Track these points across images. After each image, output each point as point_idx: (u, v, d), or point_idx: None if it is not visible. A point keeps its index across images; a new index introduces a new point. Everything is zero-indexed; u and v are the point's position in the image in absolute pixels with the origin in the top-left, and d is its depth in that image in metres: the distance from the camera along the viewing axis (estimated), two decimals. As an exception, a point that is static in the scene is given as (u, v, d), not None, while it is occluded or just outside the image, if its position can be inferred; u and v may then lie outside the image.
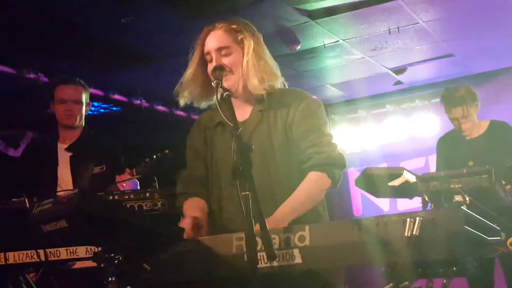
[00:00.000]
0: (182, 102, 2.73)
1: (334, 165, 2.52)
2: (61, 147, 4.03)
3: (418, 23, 5.96)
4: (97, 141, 4.10)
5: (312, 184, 2.50)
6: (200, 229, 2.46)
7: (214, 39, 2.60)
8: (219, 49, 2.58)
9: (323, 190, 2.54)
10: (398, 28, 6.01)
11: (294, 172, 2.55)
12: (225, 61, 2.57)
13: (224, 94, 2.37)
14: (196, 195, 2.67)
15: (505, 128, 4.62)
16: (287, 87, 2.75)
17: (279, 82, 2.69)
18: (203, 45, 2.63)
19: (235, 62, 2.58)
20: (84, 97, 4.07)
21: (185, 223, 2.44)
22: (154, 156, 3.40)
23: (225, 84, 2.47)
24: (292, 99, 2.64)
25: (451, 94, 4.63)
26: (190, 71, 2.66)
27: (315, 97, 2.73)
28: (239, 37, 2.61)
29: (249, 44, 2.61)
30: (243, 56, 2.60)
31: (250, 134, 2.56)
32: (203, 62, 2.65)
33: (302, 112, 2.59)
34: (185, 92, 2.69)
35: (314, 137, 2.55)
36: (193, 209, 2.60)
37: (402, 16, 5.78)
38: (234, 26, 2.63)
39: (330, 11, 5.59)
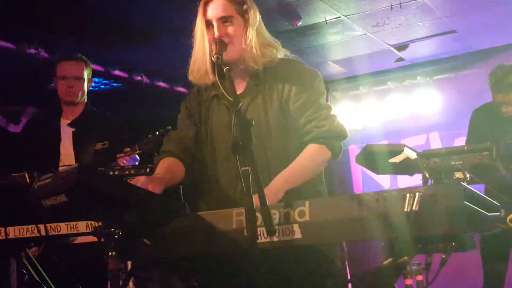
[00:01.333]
0: (192, 79, 2.65)
1: (334, 137, 2.49)
2: (64, 122, 4.03)
3: (421, -2, 5.93)
4: (100, 117, 4.11)
5: (310, 156, 2.47)
6: (150, 183, 2.36)
7: (217, 7, 2.53)
8: (222, 18, 2.52)
9: (322, 162, 2.51)
10: (400, 4, 5.97)
11: (290, 147, 2.52)
12: (229, 30, 2.52)
13: (224, 69, 2.35)
14: (174, 155, 2.64)
15: None
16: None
17: (280, 53, 2.65)
18: (204, 13, 2.56)
19: (237, 33, 2.54)
20: (86, 73, 4.06)
21: (138, 180, 2.37)
22: (157, 132, 3.39)
23: (225, 58, 2.44)
24: (287, 72, 2.59)
25: (501, 77, 4.49)
26: (198, 46, 2.59)
27: (312, 68, 2.67)
28: (244, 7, 2.56)
29: (254, 15, 2.58)
30: (247, 27, 2.56)
31: (245, 108, 2.53)
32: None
33: (298, 86, 2.54)
34: (194, 68, 2.62)
35: (311, 111, 2.51)
36: (160, 168, 2.57)
37: (405, -9, 5.75)
38: None
39: (332, -14, 5.57)
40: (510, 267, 4.50)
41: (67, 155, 3.91)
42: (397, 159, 3.18)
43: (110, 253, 2.15)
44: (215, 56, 2.41)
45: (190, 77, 2.65)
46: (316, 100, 2.55)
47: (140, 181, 2.34)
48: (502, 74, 4.51)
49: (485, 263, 4.51)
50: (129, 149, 3.56)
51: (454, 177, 3.11)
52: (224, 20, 2.53)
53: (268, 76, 2.60)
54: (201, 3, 2.58)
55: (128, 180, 2.84)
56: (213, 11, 2.54)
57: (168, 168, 2.58)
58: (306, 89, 2.55)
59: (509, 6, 6.25)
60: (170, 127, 2.93)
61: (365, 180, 8.20)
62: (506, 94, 4.47)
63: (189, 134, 2.68)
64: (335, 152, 2.50)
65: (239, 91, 2.53)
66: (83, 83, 4.03)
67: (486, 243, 4.45)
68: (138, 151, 3.60)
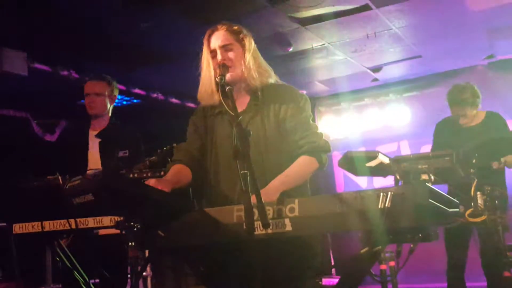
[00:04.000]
0: (201, 99, 2.66)
1: (322, 151, 2.51)
2: (92, 133, 4.02)
3: (392, 29, 5.94)
4: (122, 129, 4.09)
5: (302, 165, 2.48)
6: (159, 184, 2.34)
7: (218, 38, 2.57)
8: (223, 46, 2.55)
9: (311, 171, 2.52)
10: (374, 33, 6.00)
11: (284, 158, 2.51)
12: (230, 55, 2.55)
13: (227, 88, 2.35)
14: (183, 163, 2.64)
15: (498, 118, 4.54)
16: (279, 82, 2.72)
17: (273, 78, 2.67)
18: (208, 44, 2.60)
19: (237, 57, 2.56)
20: (107, 91, 4.04)
21: (149, 182, 2.35)
22: (164, 148, 3.40)
23: (227, 79, 2.45)
24: (284, 96, 2.60)
25: (456, 95, 4.49)
26: (205, 72, 2.61)
27: (303, 91, 2.71)
28: (240, 36, 2.59)
29: (250, 42, 2.61)
30: (245, 52, 2.58)
31: (246, 125, 2.52)
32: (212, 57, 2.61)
33: (293, 109, 2.56)
34: (202, 90, 2.63)
35: (304, 129, 2.53)
36: (170, 173, 2.58)
37: (378, 23, 5.77)
38: (235, 28, 2.62)
39: (318, 19, 5.58)
40: (470, 255, 4.49)
41: (94, 161, 3.90)
42: (373, 163, 3.16)
43: (130, 243, 2.14)
44: (218, 77, 2.41)
45: (199, 98, 2.67)
46: (308, 121, 2.58)
47: (151, 182, 2.34)
48: (457, 92, 4.53)
49: (449, 251, 4.49)
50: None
51: (421, 179, 3.10)
52: (225, 47, 2.56)
53: (265, 97, 2.60)
54: (206, 36, 2.62)
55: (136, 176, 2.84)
56: (216, 41, 2.58)
57: (177, 172, 2.59)
58: (300, 112, 2.57)
59: (465, 35, 6.29)
60: (174, 144, 2.93)
61: (346, 181, 8.20)
62: (461, 108, 4.48)
63: (195, 145, 2.68)
64: (322, 163, 2.52)
65: (241, 109, 2.54)
66: (104, 99, 4.01)
67: (450, 234, 4.44)
68: (147, 164, 3.59)
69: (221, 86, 2.38)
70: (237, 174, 1.98)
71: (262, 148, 2.51)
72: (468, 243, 4.42)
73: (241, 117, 2.19)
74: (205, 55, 2.61)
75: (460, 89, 4.52)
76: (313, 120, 2.64)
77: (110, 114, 4.10)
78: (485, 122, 4.52)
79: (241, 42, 2.59)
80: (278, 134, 2.55)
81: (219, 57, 2.54)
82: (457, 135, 4.51)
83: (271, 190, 2.27)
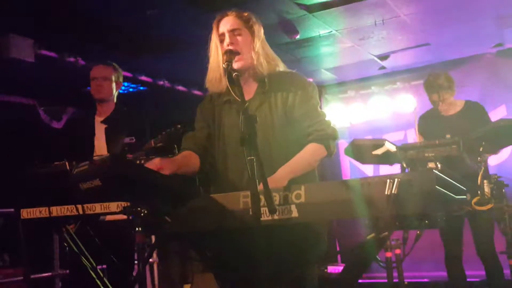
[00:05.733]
0: (209, 86, 2.66)
1: (329, 139, 2.50)
2: (98, 120, 4.03)
3: (400, 16, 5.90)
4: (128, 116, 4.10)
5: (310, 153, 2.48)
6: (163, 163, 2.36)
7: (227, 22, 2.57)
8: (233, 31, 2.55)
9: (319, 159, 2.51)
10: (382, 20, 5.96)
11: (291, 146, 2.51)
12: (238, 39, 2.54)
13: (234, 75, 2.34)
14: (192, 150, 2.65)
15: (477, 107, 4.59)
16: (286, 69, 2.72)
17: (281, 66, 2.67)
18: (217, 29, 2.59)
19: (245, 43, 2.55)
20: (114, 76, 4.05)
21: (153, 162, 2.37)
22: (168, 130, 3.41)
23: (234, 65, 2.45)
24: (292, 84, 2.59)
25: (432, 81, 4.59)
26: (213, 57, 2.60)
27: (310, 79, 2.69)
28: (250, 23, 2.59)
29: (259, 29, 2.61)
30: (253, 39, 2.57)
31: (254, 111, 2.50)
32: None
33: (301, 97, 2.56)
34: (210, 76, 2.63)
35: (312, 117, 2.53)
36: (181, 155, 2.61)
37: (386, 10, 5.72)
38: (245, 14, 2.61)
39: (325, 5, 5.54)
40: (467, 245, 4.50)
41: (100, 147, 3.91)
42: (379, 151, 3.17)
43: (137, 229, 2.15)
44: (225, 63, 2.40)
45: (207, 85, 2.66)
46: (316, 108, 2.58)
47: (155, 161, 2.35)
48: (432, 78, 4.60)
49: (445, 243, 4.51)
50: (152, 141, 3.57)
51: (427, 167, 3.10)
52: (234, 31, 2.55)
53: (273, 84, 2.59)
54: (215, 21, 2.61)
55: (143, 162, 2.84)
56: (225, 25, 2.57)
57: (185, 156, 2.61)
58: (309, 100, 2.57)
59: (474, 22, 6.23)
60: (179, 126, 2.94)
61: (352, 169, 8.19)
62: (438, 93, 4.54)
63: (203, 134, 2.69)
64: (331, 151, 2.51)
65: (248, 97, 2.53)
66: (111, 84, 4.02)
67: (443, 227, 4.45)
68: (153, 146, 3.59)
69: (228, 72, 2.37)
70: (245, 163, 1.98)
71: (269, 136, 2.51)
72: (462, 233, 4.44)
73: (247, 103, 2.18)
74: (214, 40, 2.60)
75: (434, 75, 4.62)
76: (320, 108, 2.64)
77: (115, 101, 4.11)
78: (465, 110, 4.56)
79: (250, 28, 2.58)
80: (286, 121, 2.54)
81: (227, 40, 2.53)
82: (438, 124, 4.57)
83: (279, 178, 2.28)
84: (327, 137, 2.49)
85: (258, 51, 2.56)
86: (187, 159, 2.59)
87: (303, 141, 2.51)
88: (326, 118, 2.58)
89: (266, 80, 2.59)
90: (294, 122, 2.54)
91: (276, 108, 2.56)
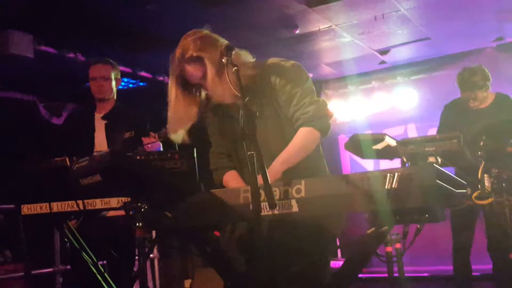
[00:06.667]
0: (176, 137, 2.63)
1: (318, 119, 2.43)
2: (98, 116, 4.03)
3: (400, 10, 5.88)
4: (128, 111, 4.10)
5: (301, 138, 2.42)
6: None
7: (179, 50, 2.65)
8: (189, 58, 2.58)
9: (313, 141, 2.46)
10: (382, 14, 5.94)
11: (286, 134, 2.47)
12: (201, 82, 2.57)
13: (233, 69, 2.31)
14: (230, 168, 2.63)
15: (508, 100, 4.49)
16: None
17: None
18: (174, 69, 2.67)
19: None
20: (113, 74, 4.04)
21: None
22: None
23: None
24: (272, 74, 2.51)
25: (467, 78, 4.41)
26: (173, 104, 2.69)
27: (310, 74, 2.62)
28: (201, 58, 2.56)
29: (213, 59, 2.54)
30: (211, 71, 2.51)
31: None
32: (181, 82, 2.67)
33: (279, 84, 2.48)
34: (178, 126, 2.65)
35: (295, 102, 2.45)
36: (234, 181, 2.56)
37: (386, 4, 5.70)
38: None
39: (325, 0, 5.53)
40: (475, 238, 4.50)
41: (100, 143, 3.91)
42: (379, 146, 3.16)
43: (137, 224, 2.16)
44: (225, 58, 2.32)
45: (174, 136, 2.68)
46: (298, 90, 2.47)
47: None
48: (467, 75, 4.44)
49: (455, 233, 4.50)
50: (153, 134, 3.57)
51: (428, 161, 3.09)
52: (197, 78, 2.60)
53: (258, 82, 2.51)
54: (171, 66, 2.77)
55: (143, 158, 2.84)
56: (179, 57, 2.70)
57: (237, 176, 2.60)
58: (287, 82, 2.48)
59: (474, 17, 6.22)
60: None
61: (352, 164, 8.19)
62: (472, 91, 4.44)
63: (224, 151, 2.67)
64: (323, 130, 2.44)
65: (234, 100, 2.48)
66: (111, 82, 4.02)
67: (456, 217, 4.44)
68: (158, 139, 3.59)
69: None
70: (245, 158, 1.98)
71: (261, 130, 2.46)
72: (474, 226, 4.42)
73: (248, 97, 2.16)
74: (172, 84, 2.76)
75: (470, 71, 4.44)
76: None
77: (115, 97, 4.11)
78: (495, 104, 4.46)
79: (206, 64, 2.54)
80: (276, 114, 2.50)
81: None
82: (465, 117, 4.47)
83: (273, 171, 2.27)
84: (313, 118, 2.42)
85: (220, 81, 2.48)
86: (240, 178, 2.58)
87: (294, 127, 2.46)
88: (312, 97, 2.48)
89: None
90: (282, 112, 2.50)
91: (266, 103, 2.51)
